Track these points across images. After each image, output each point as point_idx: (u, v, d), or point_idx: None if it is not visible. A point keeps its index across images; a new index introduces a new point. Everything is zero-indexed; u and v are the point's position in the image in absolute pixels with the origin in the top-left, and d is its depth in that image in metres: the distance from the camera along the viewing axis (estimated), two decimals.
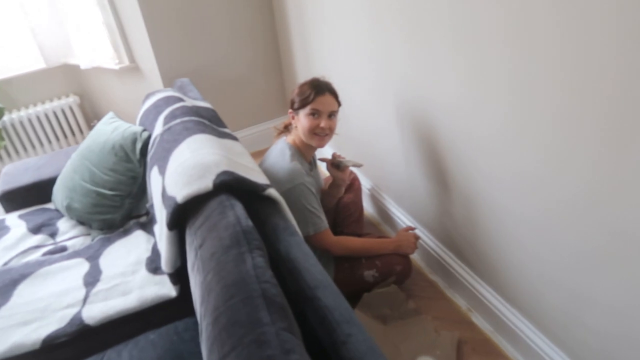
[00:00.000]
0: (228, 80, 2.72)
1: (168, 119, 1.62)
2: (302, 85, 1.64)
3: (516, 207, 1.34)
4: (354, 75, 1.99)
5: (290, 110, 1.68)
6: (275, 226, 1.17)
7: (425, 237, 1.90)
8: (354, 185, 2.08)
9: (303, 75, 2.54)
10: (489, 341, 1.62)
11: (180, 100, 1.79)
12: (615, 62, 0.93)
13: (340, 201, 2.04)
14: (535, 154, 1.20)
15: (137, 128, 1.78)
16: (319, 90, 1.59)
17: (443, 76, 1.44)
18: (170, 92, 1.90)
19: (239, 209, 1.14)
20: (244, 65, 2.73)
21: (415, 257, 1.98)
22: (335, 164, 1.85)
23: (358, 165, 1.81)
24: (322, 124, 1.60)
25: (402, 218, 2.04)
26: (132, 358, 1.22)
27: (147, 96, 2.01)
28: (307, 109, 1.60)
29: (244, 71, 2.75)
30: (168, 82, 2.50)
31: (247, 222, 1.08)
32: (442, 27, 1.38)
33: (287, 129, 1.80)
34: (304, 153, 1.69)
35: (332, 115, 1.63)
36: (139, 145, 1.73)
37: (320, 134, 1.62)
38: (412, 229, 1.83)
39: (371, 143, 2.08)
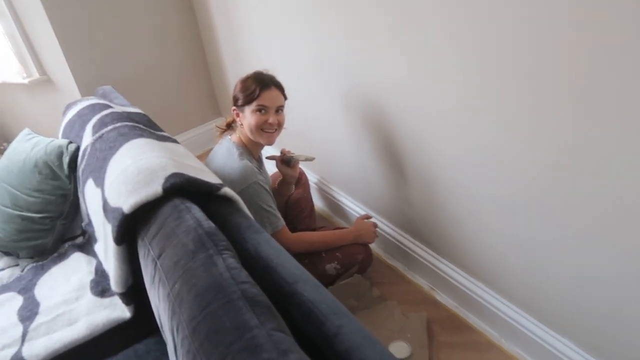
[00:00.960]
0: (154, 87, 2.56)
1: (97, 127, 1.48)
2: (245, 80, 1.56)
3: (476, 186, 1.36)
4: (292, 68, 1.93)
5: (233, 108, 1.59)
6: (237, 226, 1.09)
7: (381, 223, 1.89)
8: (301, 180, 2.03)
9: (233, 74, 2.45)
10: (455, 316, 1.64)
11: (108, 106, 1.64)
12: (572, 30, 0.95)
13: (290, 198, 1.98)
14: (494, 132, 1.21)
15: (62, 141, 1.61)
16: (264, 85, 1.52)
17: (385, 59, 1.43)
18: (94, 100, 1.74)
19: (196, 211, 1.05)
20: (169, 70, 2.59)
21: (372, 244, 1.96)
22: (286, 161, 1.78)
23: (310, 159, 1.75)
24: (270, 119, 1.53)
25: (355, 208, 2.02)
26: None
27: (68, 107, 1.83)
28: (252, 105, 1.52)
29: (170, 76, 2.60)
30: (87, 92, 2.30)
31: (209, 224, 0.99)
32: (378, 7, 1.36)
33: (230, 127, 1.71)
34: (251, 151, 1.62)
35: (279, 109, 1.56)
36: (66, 160, 1.57)
37: (268, 130, 1.55)
38: (369, 217, 1.81)
39: (317, 135, 2.04)
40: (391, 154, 1.63)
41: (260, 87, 1.51)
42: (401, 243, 1.81)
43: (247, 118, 1.55)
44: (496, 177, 1.27)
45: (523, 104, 1.10)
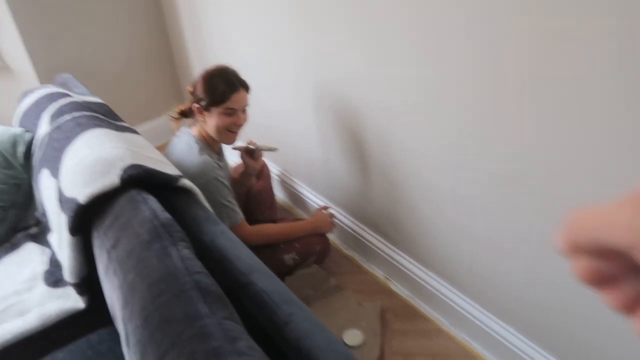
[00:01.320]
0: (116, 75, 2.51)
1: (55, 116, 1.45)
2: (210, 80, 1.51)
3: (436, 181, 1.41)
4: (255, 59, 1.94)
5: (196, 105, 1.55)
6: (195, 217, 1.11)
7: (340, 215, 1.93)
8: (263, 172, 2.05)
9: (199, 65, 2.43)
10: (409, 306, 1.71)
11: (67, 95, 1.61)
12: (531, 16, 1.00)
13: (252, 190, 2.00)
14: (453, 128, 1.26)
15: (17, 130, 1.57)
16: (233, 88, 1.50)
17: (347, 54, 1.47)
18: (53, 88, 1.70)
19: (153, 202, 1.06)
20: (132, 59, 2.54)
21: (330, 235, 2.00)
22: (250, 152, 1.79)
23: (273, 150, 1.77)
24: (238, 121, 1.53)
25: (315, 200, 2.05)
26: None
27: (25, 94, 1.78)
28: (220, 108, 1.51)
29: (133, 64, 2.55)
30: (45, 80, 2.24)
31: (165, 215, 1.01)
32: (339, 2, 1.39)
33: (184, 114, 1.67)
34: (211, 145, 1.61)
35: (244, 109, 1.57)
36: (21, 149, 1.54)
37: (235, 131, 1.56)
38: (327, 208, 1.84)
39: (279, 127, 2.06)
40: (354, 147, 1.67)
41: (230, 89, 1.49)
42: (359, 234, 1.86)
43: (214, 119, 1.53)
44: (455, 173, 1.33)
45: (480, 102, 1.15)
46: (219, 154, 1.69)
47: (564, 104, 0.98)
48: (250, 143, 1.80)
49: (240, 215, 1.58)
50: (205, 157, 1.52)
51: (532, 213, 1.17)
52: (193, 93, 1.56)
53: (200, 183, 1.45)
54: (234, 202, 1.58)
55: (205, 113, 1.54)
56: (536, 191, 1.13)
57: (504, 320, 1.42)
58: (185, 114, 1.66)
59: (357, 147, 1.65)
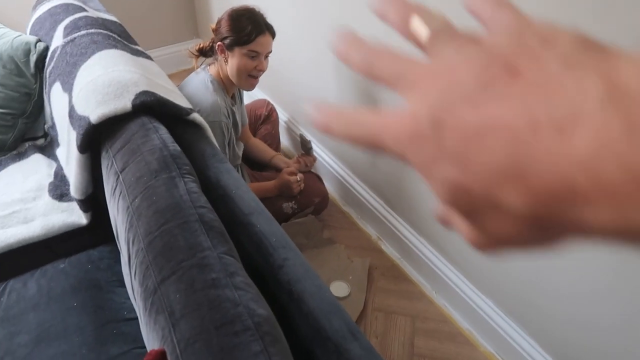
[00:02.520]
0: None
1: (69, 30, 1.43)
2: (238, 18, 1.47)
3: None
4: (281, 5, 1.89)
5: (220, 43, 1.51)
6: (202, 152, 1.12)
7: (342, 170, 1.95)
8: (271, 116, 2.05)
9: None
10: (396, 267, 1.76)
11: (82, 9, 1.58)
12: None
13: (258, 133, 2.00)
14: None
15: (30, 38, 1.55)
16: (259, 30, 1.45)
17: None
18: None
19: (163, 132, 1.07)
20: None
21: (330, 189, 2.03)
22: (306, 147, 1.88)
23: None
24: (260, 65, 1.50)
25: (319, 152, 2.06)
26: (40, 287, 1.14)
27: (39, 2, 1.74)
28: (244, 49, 1.46)
29: None
30: None
31: (175, 147, 1.02)
32: None
33: (203, 53, 1.65)
34: (227, 87, 1.59)
35: (267, 55, 1.53)
36: (33, 58, 1.52)
37: (256, 76, 1.53)
38: (294, 173, 1.75)
39: (293, 73, 2.04)
40: (364, 103, 1.66)
41: (257, 31, 1.45)
42: (357, 192, 1.89)
43: (236, 60, 1.49)
44: None
45: None
46: (234, 97, 1.68)
47: None
48: (303, 138, 1.88)
49: None
50: (216, 99, 1.49)
51: None
52: (216, 30, 1.52)
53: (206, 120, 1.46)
54: (226, 151, 1.57)
55: (228, 52, 1.50)
56: None
57: (484, 293, 1.48)
58: (205, 52, 1.62)
59: (367, 101, 1.64)
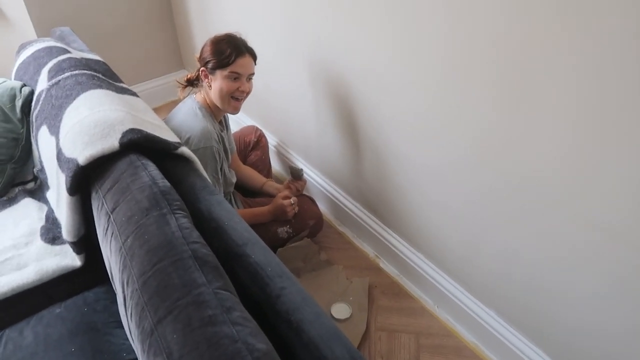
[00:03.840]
0: (115, 32, 2.47)
1: (54, 73, 1.44)
2: (218, 43, 1.50)
3: (417, 156, 1.43)
4: (260, 30, 1.92)
5: (202, 69, 1.54)
6: (192, 185, 1.12)
7: (334, 191, 1.95)
8: (261, 142, 2.05)
9: (199, 27, 2.40)
10: (396, 284, 1.75)
11: (66, 51, 1.59)
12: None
13: (248, 160, 2.01)
14: (427, 104, 1.28)
15: (15, 83, 1.56)
16: (239, 52, 1.48)
17: (355, 38, 1.46)
18: (51, 42, 1.68)
19: (152, 168, 1.07)
20: (132, 16, 2.49)
21: (324, 210, 2.03)
22: (296, 175, 1.91)
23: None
24: (242, 87, 1.52)
25: (311, 174, 2.07)
26: (37, 335, 1.12)
27: (22, 47, 1.76)
28: (225, 71, 1.48)
29: (133, 22, 2.51)
30: (43, 32, 2.20)
31: (164, 182, 1.02)
32: None
33: (191, 83, 1.68)
34: (214, 113, 1.60)
35: (250, 77, 1.55)
36: (19, 103, 1.53)
37: (239, 98, 1.54)
38: (289, 197, 1.76)
39: (279, 99, 2.05)
40: (348, 125, 1.68)
41: (236, 53, 1.47)
42: (351, 211, 1.89)
43: (218, 83, 1.51)
44: (441, 151, 1.35)
45: (448, 79, 1.16)
46: (222, 124, 1.68)
47: (527, 86, 0.99)
48: (293, 169, 1.92)
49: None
50: (206, 125, 1.51)
51: (502, 191, 1.20)
52: (200, 58, 1.55)
53: (193, 148, 1.46)
54: (218, 177, 1.58)
55: (211, 77, 1.53)
56: (504, 171, 1.15)
57: (486, 304, 1.47)
58: (192, 82, 1.65)
59: (351, 125, 1.65)
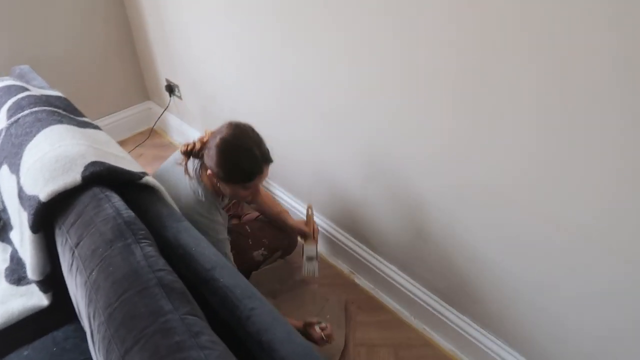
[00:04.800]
0: (75, 67, 2.45)
1: (13, 111, 1.42)
2: (231, 156, 1.30)
3: (398, 177, 1.46)
4: (223, 57, 1.94)
5: (209, 172, 1.36)
6: (158, 214, 1.12)
7: (304, 209, 1.96)
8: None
9: (162, 57, 2.41)
10: (372, 298, 1.76)
11: (25, 89, 1.58)
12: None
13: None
14: (386, 115, 1.32)
15: None
16: (256, 170, 1.33)
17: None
18: (10, 81, 1.66)
19: (116, 200, 1.07)
20: (92, 49, 2.48)
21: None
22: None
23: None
24: (256, 191, 1.44)
25: (276, 191, 2.08)
26: None
27: None
28: (238, 185, 1.36)
29: (93, 55, 2.50)
30: (2, 71, 2.18)
31: (128, 213, 1.02)
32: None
33: (191, 154, 1.42)
34: (218, 191, 1.44)
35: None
36: None
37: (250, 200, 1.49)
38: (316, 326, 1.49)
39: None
40: (317, 144, 1.70)
41: (253, 172, 1.33)
42: (325, 230, 1.90)
43: (229, 189, 1.38)
44: (417, 170, 1.38)
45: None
46: (224, 198, 1.54)
47: (480, 96, 1.04)
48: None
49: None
50: (213, 217, 1.42)
51: (480, 205, 1.23)
52: (203, 148, 1.38)
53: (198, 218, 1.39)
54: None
55: (220, 182, 1.37)
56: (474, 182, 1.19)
57: (460, 310, 1.49)
58: (193, 153, 1.42)
59: (316, 143, 1.68)
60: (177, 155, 1.51)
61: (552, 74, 0.91)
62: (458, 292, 1.46)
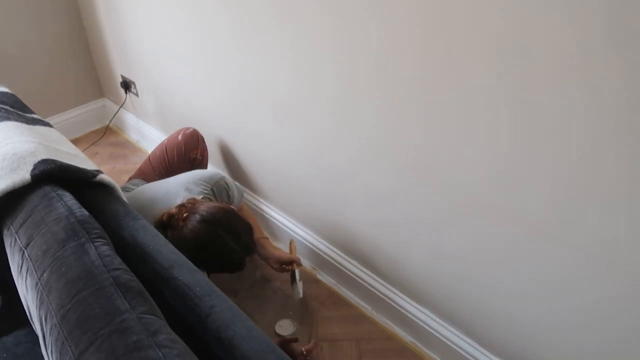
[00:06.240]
0: (24, 64, 2.35)
1: None
2: (205, 252, 1.28)
3: (356, 175, 1.48)
4: (176, 53, 1.90)
5: None
6: (114, 213, 1.09)
7: (265, 206, 1.96)
8: (204, 160, 1.89)
9: (117, 52, 2.34)
10: (334, 293, 1.77)
11: None
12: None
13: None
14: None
15: None
16: (234, 268, 1.38)
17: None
18: None
19: (68, 198, 1.03)
20: (42, 46, 2.38)
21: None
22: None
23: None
24: None
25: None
26: None
27: None
28: None
29: (43, 52, 2.39)
30: None
31: (82, 212, 0.98)
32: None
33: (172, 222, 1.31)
34: None
35: None
36: None
37: None
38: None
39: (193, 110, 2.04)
40: (284, 146, 1.70)
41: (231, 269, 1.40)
42: (285, 225, 1.90)
43: None
44: (370, 167, 1.40)
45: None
46: None
47: (449, 108, 1.07)
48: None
49: None
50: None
51: (437, 201, 1.26)
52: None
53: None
54: None
55: None
56: (434, 181, 1.22)
57: (421, 304, 1.53)
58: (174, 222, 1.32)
59: (290, 150, 1.68)
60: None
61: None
62: (417, 285, 1.50)
